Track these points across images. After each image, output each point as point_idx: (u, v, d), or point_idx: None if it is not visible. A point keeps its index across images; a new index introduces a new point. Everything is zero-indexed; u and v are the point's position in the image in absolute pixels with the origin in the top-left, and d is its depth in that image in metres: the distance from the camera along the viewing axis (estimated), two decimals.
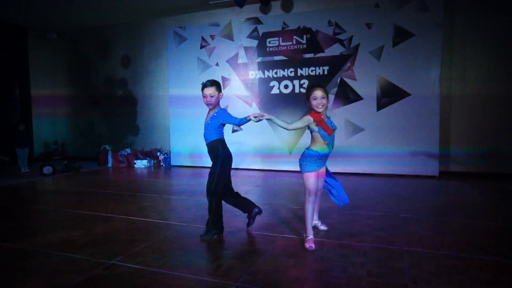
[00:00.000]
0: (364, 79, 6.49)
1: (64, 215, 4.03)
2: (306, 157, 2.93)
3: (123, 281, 2.32)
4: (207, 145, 3.16)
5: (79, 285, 2.28)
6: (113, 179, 6.82)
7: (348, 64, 6.58)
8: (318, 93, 2.87)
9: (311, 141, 2.99)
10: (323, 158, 2.96)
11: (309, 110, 2.98)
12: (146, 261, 2.65)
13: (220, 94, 3.15)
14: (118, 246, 2.97)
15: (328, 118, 3.00)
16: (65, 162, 7.76)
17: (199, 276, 2.38)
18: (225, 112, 3.14)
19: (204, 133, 3.18)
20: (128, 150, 8.59)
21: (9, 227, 3.61)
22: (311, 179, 2.87)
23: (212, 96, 3.08)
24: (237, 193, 3.36)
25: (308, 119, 2.90)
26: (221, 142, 3.15)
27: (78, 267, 2.56)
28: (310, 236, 2.91)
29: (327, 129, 2.90)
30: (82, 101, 10.03)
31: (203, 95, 3.11)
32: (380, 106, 6.41)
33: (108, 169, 8.06)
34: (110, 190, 5.53)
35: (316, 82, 3.02)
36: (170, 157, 8.32)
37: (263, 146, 7.31)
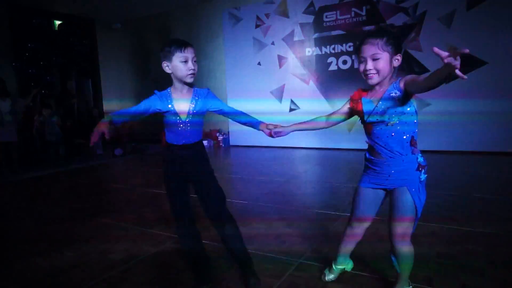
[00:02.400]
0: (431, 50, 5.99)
1: (136, 193, 4.38)
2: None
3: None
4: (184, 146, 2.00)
5: (154, 256, 2.48)
6: None
7: (413, 34, 6.11)
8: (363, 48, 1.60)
9: None
10: (373, 164, 1.75)
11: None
12: (211, 236, 2.78)
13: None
14: None
15: (383, 97, 1.60)
16: (133, 144, 8.36)
17: (262, 252, 2.45)
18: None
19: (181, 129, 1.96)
20: None
21: (91, 203, 4.02)
22: (355, 195, 1.91)
23: (195, 61, 1.91)
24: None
25: (348, 103, 1.86)
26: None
27: (152, 240, 2.79)
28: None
29: (361, 116, 1.75)
30: (146, 86, 10.64)
31: (184, 58, 1.86)
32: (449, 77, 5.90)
33: None
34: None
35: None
36: (229, 137, 8.55)
37: None
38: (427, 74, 1.36)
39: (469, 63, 5.71)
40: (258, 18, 7.72)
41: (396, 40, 1.57)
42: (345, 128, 6.91)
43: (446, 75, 1.27)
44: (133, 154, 8.04)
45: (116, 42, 10.84)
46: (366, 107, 1.67)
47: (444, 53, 1.19)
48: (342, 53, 6.83)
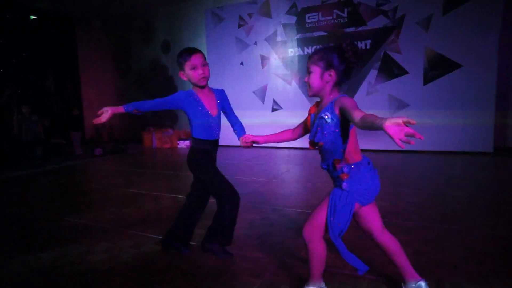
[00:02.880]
0: (410, 52, 6.15)
1: (116, 193, 4.31)
2: None
3: (173, 254, 2.46)
4: (216, 141, 2.31)
5: (135, 257, 2.45)
6: (158, 159, 7.14)
7: (393, 36, 6.26)
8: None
9: None
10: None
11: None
12: (193, 236, 2.78)
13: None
14: (166, 223, 3.13)
15: (326, 109, 1.63)
16: (113, 144, 8.21)
17: (243, 251, 2.46)
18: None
19: (216, 126, 2.28)
20: (171, 131, 8.89)
21: (69, 204, 3.93)
22: None
23: (204, 66, 2.13)
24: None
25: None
26: None
27: (132, 241, 2.75)
28: None
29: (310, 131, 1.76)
30: (126, 85, 10.47)
31: (192, 66, 2.10)
32: (427, 79, 6.08)
33: (153, 150, 8.42)
34: (156, 169, 5.80)
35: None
36: None
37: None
38: (362, 114, 1.38)
39: (445, 66, 5.90)
40: (241, 18, 7.73)
41: (330, 57, 1.61)
42: None
43: (378, 129, 1.29)
44: (113, 154, 7.90)
45: (97, 40, 10.61)
46: (311, 123, 1.75)
47: (395, 126, 1.23)
48: None
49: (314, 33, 6.98)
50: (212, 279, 2.10)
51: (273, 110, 7.52)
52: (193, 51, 2.10)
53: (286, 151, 7.05)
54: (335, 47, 1.64)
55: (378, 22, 6.36)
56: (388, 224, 2.84)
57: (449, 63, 5.88)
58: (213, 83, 8.75)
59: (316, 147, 1.75)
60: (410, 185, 4.08)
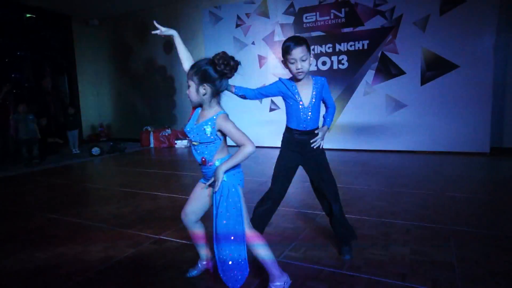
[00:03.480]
0: (407, 52, 6.17)
1: (114, 193, 4.30)
2: None
3: (171, 254, 2.46)
4: (309, 132, 2.24)
5: (132, 256, 2.45)
6: (156, 159, 7.12)
7: (390, 37, 6.27)
8: None
9: None
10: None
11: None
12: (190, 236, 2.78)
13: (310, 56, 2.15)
14: (164, 222, 3.13)
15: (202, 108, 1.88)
16: (111, 143, 8.19)
17: None
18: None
19: (307, 116, 2.21)
20: (169, 131, 8.88)
21: (66, 203, 3.91)
22: None
23: (304, 61, 2.09)
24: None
25: None
26: None
27: (129, 240, 2.75)
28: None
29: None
30: (124, 84, 10.44)
31: (290, 61, 2.10)
32: (424, 80, 6.10)
33: (151, 150, 8.41)
34: (153, 169, 5.79)
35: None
36: None
37: None
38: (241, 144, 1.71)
39: (442, 66, 5.92)
40: (238, 17, 7.73)
41: (201, 73, 1.76)
42: None
43: None
44: (111, 153, 7.88)
45: (93, 39, 10.57)
46: (189, 122, 1.90)
47: None
48: (321, 54, 6.93)
49: (311, 33, 6.98)
50: (210, 278, 2.10)
51: (271, 110, 7.52)
52: (296, 44, 2.06)
53: None
54: (208, 61, 1.77)
55: (375, 23, 6.38)
56: (386, 224, 2.86)
57: (446, 64, 5.91)
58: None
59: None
60: (407, 185, 4.10)
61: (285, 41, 2.12)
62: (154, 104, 9.90)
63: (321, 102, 2.29)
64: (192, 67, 1.81)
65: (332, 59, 6.83)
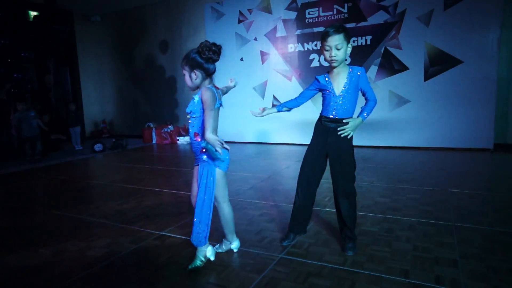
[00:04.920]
0: (411, 48, 6.12)
1: (116, 189, 4.30)
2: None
3: (173, 250, 2.46)
4: (338, 120, 2.27)
5: (134, 252, 2.45)
6: (158, 155, 7.13)
7: (393, 32, 6.22)
8: None
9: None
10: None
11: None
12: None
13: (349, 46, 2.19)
14: (166, 218, 3.14)
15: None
16: (113, 140, 8.19)
17: (244, 247, 2.46)
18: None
19: (337, 104, 2.25)
20: (171, 127, 8.87)
21: (69, 199, 3.93)
22: None
23: (338, 49, 2.14)
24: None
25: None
26: None
27: (131, 236, 2.75)
28: None
29: None
30: (126, 81, 10.43)
31: (325, 47, 2.17)
32: (427, 75, 6.05)
33: (153, 146, 8.41)
34: (156, 165, 5.79)
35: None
36: None
37: (304, 120, 7.23)
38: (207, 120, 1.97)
39: (446, 62, 5.87)
40: (241, 13, 7.68)
41: (190, 61, 2.09)
42: None
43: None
44: (114, 149, 7.89)
45: (95, 35, 10.56)
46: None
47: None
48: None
49: (314, 28, 6.94)
50: (212, 275, 2.10)
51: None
52: (333, 32, 2.12)
53: (287, 147, 7.04)
54: (195, 50, 2.09)
55: (378, 18, 6.32)
56: (389, 220, 2.85)
57: (449, 59, 5.86)
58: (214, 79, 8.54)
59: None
60: (410, 181, 4.08)
61: (326, 27, 2.18)
62: (156, 100, 9.90)
63: (359, 92, 2.28)
64: (184, 58, 2.13)
65: None
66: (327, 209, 3.20)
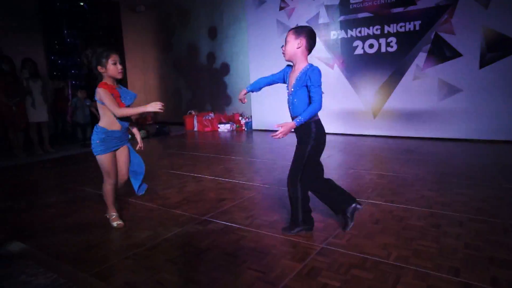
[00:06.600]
0: (465, 32, 5.70)
1: (160, 174, 4.46)
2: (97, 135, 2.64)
3: (215, 235, 2.52)
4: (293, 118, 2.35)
5: (178, 235, 2.54)
6: (200, 142, 7.29)
7: (446, 16, 5.82)
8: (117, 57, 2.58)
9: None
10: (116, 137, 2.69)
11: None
12: (234, 218, 2.83)
13: (300, 40, 2.24)
14: (208, 204, 3.21)
15: (119, 86, 2.65)
16: (157, 126, 8.48)
17: (285, 236, 2.46)
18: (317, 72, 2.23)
19: (290, 102, 2.35)
20: (212, 115, 9.02)
21: None
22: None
23: (286, 43, 2.29)
24: (328, 181, 2.52)
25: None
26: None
27: (175, 220, 2.85)
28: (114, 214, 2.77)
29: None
30: (168, 69, 10.71)
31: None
32: (484, 62, 5.62)
33: (194, 133, 8.62)
34: (197, 152, 5.93)
35: None
36: (251, 121, 8.54)
37: (346, 109, 7.04)
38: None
39: (506, 47, 5.41)
40: (282, 0, 7.56)
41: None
42: (370, 114, 6.76)
43: None
44: (157, 136, 8.18)
45: (140, 25, 10.90)
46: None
47: None
48: (368, 36, 6.62)
49: (358, 14, 6.67)
50: (253, 261, 2.12)
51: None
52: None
53: (327, 136, 6.91)
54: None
55: (429, 1, 5.93)
56: (436, 215, 2.72)
57: (511, 44, 5.38)
58: (254, 67, 8.64)
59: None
60: (460, 175, 3.85)
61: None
62: (197, 88, 10.09)
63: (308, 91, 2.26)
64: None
65: (380, 41, 6.49)
66: (369, 201, 3.11)
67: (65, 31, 7.77)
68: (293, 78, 2.28)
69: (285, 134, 2.22)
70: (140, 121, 10.80)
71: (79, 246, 2.46)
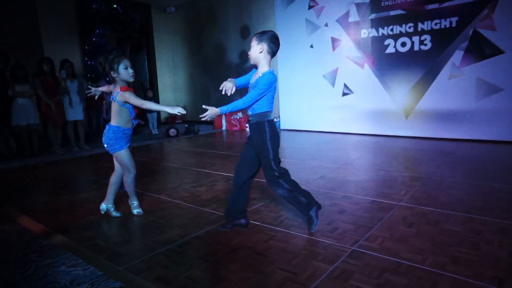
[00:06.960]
0: (508, 28, 5.39)
1: (190, 173, 4.54)
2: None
3: (245, 234, 2.53)
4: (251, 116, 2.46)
5: (209, 233, 2.57)
6: (228, 141, 7.35)
7: (486, 11, 5.55)
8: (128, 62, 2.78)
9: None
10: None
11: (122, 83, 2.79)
12: (263, 218, 2.83)
13: (262, 46, 2.34)
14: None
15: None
16: (186, 126, 8.63)
17: (315, 237, 2.43)
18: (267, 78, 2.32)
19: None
20: (240, 114, 9.06)
21: (148, 180, 4.24)
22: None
23: (250, 48, 2.41)
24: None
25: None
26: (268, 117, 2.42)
27: (205, 218, 2.88)
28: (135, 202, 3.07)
29: None
30: (197, 69, 10.87)
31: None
32: None
33: (223, 132, 8.69)
34: (226, 151, 5.98)
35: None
36: (279, 121, 8.52)
37: (376, 109, 6.87)
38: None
39: None
40: None
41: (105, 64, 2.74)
42: (402, 115, 6.56)
43: None
44: (186, 134, 8.33)
45: (170, 26, 11.13)
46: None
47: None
48: (401, 34, 6.42)
49: (390, 12, 6.48)
50: (283, 261, 2.11)
51: (344, 94, 7.23)
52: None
53: (357, 137, 6.77)
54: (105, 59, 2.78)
55: None
56: (476, 220, 2.59)
57: None
58: (282, 67, 8.60)
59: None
60: (502, 178, 3.66)
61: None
62: None
63: (269, 92, 2.36)
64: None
65: (413, 39, 6.28)
66: (402, 204, 3.02)
67: (97, 31, 8.07)
68: (253, 79, 2.43)
69: (212, 117, 2.42)
70: (170, 119, 11.06)
71: (115, 240, 2.54)
